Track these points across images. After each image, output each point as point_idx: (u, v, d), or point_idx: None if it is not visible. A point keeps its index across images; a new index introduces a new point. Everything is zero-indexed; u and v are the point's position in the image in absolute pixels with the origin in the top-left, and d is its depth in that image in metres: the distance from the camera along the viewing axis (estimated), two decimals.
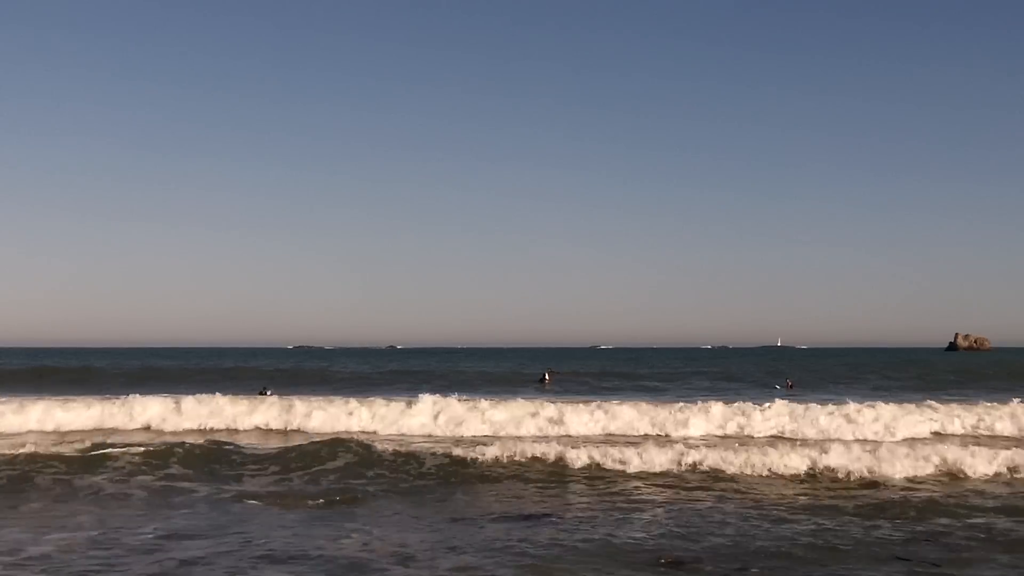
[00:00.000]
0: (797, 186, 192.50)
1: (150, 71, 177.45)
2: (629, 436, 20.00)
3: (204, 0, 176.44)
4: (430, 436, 20.30)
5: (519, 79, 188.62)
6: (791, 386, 41.74)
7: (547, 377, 45.92)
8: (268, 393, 32.49)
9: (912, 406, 22.29)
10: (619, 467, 14.32)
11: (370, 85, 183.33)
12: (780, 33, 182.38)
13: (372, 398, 23.95)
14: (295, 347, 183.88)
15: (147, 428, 22.02)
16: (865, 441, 18.23)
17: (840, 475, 13.86)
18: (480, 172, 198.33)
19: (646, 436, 19.91)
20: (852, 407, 21.51)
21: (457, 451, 15.15)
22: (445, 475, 13.94)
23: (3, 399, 23.34)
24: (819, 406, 21.85)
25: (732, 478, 13.73)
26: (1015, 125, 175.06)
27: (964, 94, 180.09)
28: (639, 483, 13.41)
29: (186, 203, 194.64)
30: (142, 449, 15.08)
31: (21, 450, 14.80)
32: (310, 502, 11.94)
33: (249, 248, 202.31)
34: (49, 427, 21.80)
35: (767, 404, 21.88)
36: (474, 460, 14.56)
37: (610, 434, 20.51)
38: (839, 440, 17.75)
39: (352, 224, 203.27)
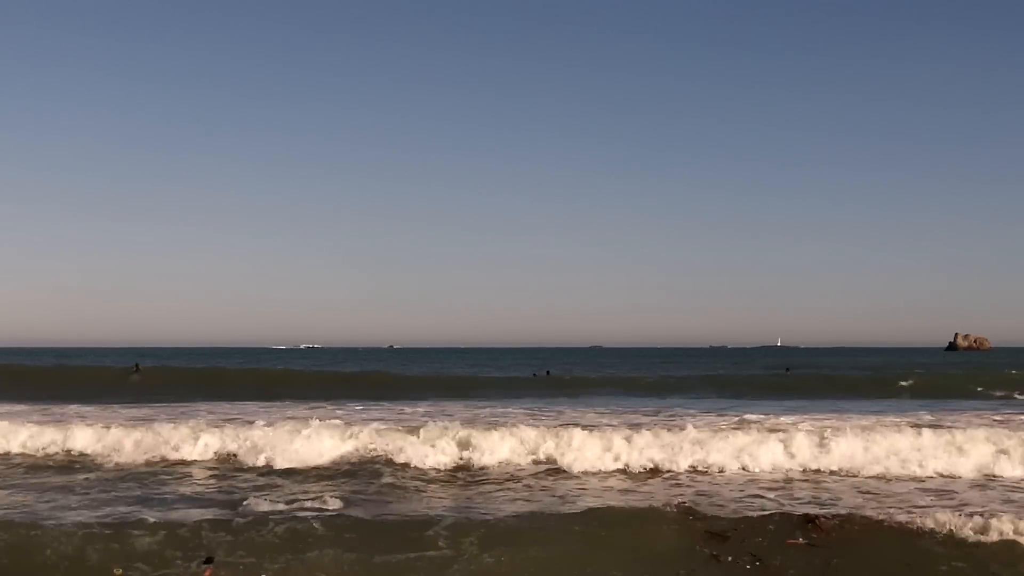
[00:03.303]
0: (797, 186, 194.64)
1: (150, 71, 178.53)
2: None
3: (204, 0, 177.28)
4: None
5: (519, 79, 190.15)
6: (788, 371, 48.31)
7: (547, 372, 48.82)
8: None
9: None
10: None
11: (371, 85, 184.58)
12: (780, 33, 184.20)
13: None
14: (306, 347, 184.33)
15: None
16: None
17: None
18: (480, 172, 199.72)
19: None
20: None
21: None
22: None
23: None
24: None
25: None
26: (1015, 125, 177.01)
27: (964, 94, 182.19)
28: None
29: (186, 203, 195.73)
30: None
31: None
32: None
33: (249, 248, 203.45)
34: None
35: None
36: None
37: None
38: None
39: (352, 224, 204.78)
